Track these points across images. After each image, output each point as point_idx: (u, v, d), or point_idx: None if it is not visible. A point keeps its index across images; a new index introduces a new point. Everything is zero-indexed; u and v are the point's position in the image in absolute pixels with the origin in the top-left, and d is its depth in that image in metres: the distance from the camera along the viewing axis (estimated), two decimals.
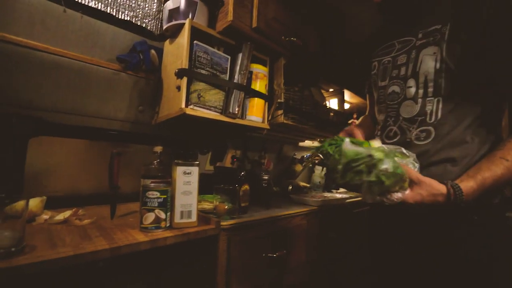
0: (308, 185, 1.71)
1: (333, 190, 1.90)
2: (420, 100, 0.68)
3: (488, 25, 0.58)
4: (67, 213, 0.79)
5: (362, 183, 0.56)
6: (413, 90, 0.70)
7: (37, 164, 0.93)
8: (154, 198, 0.70)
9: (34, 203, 0.77)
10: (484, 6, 0.59)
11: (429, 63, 0.66)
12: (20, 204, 0.55)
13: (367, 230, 0.89)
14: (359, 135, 0.78)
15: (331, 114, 1.50)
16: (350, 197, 1.50)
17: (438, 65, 0.65)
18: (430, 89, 0.67)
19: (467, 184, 0.56)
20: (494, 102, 0.65)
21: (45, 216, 0.78)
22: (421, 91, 0.68)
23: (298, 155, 1.95)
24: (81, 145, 1.02)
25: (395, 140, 0.73)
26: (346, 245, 1.34)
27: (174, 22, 1.00)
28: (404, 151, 0.59)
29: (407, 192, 0.56)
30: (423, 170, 0.62)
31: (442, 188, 0.56)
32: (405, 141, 0.70)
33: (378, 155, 0.56)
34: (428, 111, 0.67)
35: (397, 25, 0.79)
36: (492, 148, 0.63)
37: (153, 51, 1.12)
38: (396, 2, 0.73)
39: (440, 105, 0.66)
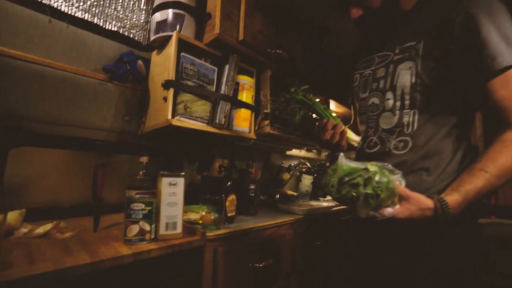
0: (295, 193, 1.73)
1: (320, 198, 1.93)
2: (397, 112, 0.72)
3: (458, 41, 0.62)
4: (47, 226, 0.77)
5: (358, 196, 0.57)
6: (391, 102, 0.73)
7: (17, 175, 0.90)
8: (138, 210, 0.70)
9: (13, 216, 0.75)
10: (454, 24, 0.63)
11: (405, 77, 0.70)
12: None
13: (353, 239, 0.91)
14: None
15: (317, 123, 1.53)
16: (337, 205, 1.52)
17: (413, 79, 0.68)
18: (407, 102, 0.70)
19: (452, 198, 0.58)
20: (465, 113, 0.69)
21: (24, 230, 0.75)
22: (398, 104, 0.72)
23: (286, 164, 1.97)
24: (64, 155, 1.01)
25: (375, 149, 0.76)
26: (333, 253, 1.35)
27: (161, 34, 1.01)
28: (391, 167, 0.61)
29: (397, 207, 0.58)
30: None
31: (429, 202, 0.58)
32: (385, 150, 0.73)
33: (373, 168, 0.58)
34: (405, 123, 0.70)
35: (376, 39, 0.83)
36: (464, 157, 0.68)
37: (140, 62, 1.12)
38: (372, 19, 0.77)
39: (416, 117, 0.69)
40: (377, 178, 0.56)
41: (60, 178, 1.00)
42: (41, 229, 0.75)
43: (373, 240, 0.80)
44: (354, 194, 0.57)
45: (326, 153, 2.38)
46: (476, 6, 0.61)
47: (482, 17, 0.60)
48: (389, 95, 0.73)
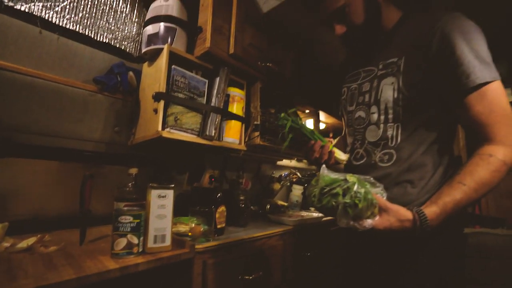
0: (286, 204, 1.73)
1: (310, 208, 1.94)
2: (382, 126, 0.74)
3: (435, 58, 0.66)
4: (31, 240, 0.75)
5: (338, 205, 0.59)
6: (375, 116, 0.76)
7: (1, 186, 0.88)
8: (126, 222, 0.69)
9: None
10: (431, 42, 0.66)
11: (388, 92, 0.73)
12: None
13: (342, 248, 0.92)
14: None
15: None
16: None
17: (395, 94, 0.71)
18: (390, 116, 0.73)
19: (430, 210, 0.60)
20: (447, 126, 0.71)
21: (6, 244, 0.73)
22: (382, 117, 0.74)
23: (276, 174, 1.98)
24: (51, 166, 0.99)
25: (361, 162, 0.78)
26: (323, 263, 1.35)
27: (153, 47, 1.02)
28: (373, 180, 0.63)
29: (377, 218, 0.60)
30: (386, 191, 0.67)
31: (408, 214, 0.60)
32: (370, 163, 0.76)
33: (352, 179, 0.61)
34: (389, 136, 0.73)
35: (362, 55, 0.87)
36: (447, 169, 0.70)
37: (131, 73, 1.13)
38: (355, 36, 0.80)
39: (400, 130, 0.72)
40: (355, 188, 0.58)
41: (47, 189, 0.98)
42: (24, 243, 0.73)
43: (360, 248, 0.81)
44: (333, 203, 0.60)
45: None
46: (452, 26, 0.65)
47: (457, 36, 0.63)
48: (374, 109, 0.76)
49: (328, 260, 1.38)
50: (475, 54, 0.62)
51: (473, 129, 0.65)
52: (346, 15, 0.76)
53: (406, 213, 0.60)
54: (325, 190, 0.61)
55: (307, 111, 1.95)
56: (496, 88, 0.62)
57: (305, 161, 2.30)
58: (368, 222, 0.59)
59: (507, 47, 1.92)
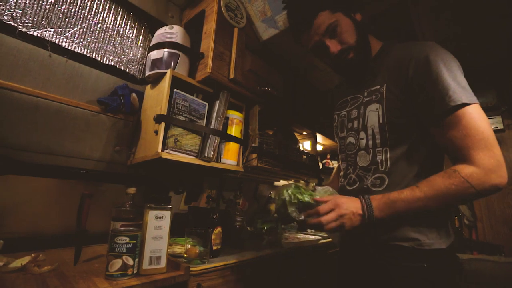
0: (282, 225, 1.72)
1: (308, 230, 1.92)
2: (370, 151, 0.77)
3: (412, 83, 0.69)
4: (25, 259, 0.75)
5: (284, 211, 0.75)
6: (364, 141, 0.79)
7: None
8: (122, 243, 0.70)
9: None
10: (409, 68, 0.70)
11: (373, 118, 0.76)
12: None
13: (336, 271, 0.92)
14: None
15: (304, 156, 1.59)
16: (324, 237, 1.53)
17: (381, 120, 0.74)
18: (378, 141, 0.75)
19: (375, 196, 0.69)
20: (435, 147, 0.72)
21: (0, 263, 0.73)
22: (370, 142, 0.77)
23: (274, 195, 1.98)
24: (49, 183, 1.00)
25: (354, 187, 0.80)
26: (319, 287, 1.33)
27: (156, 71, 1.07)
28: (316, 187, 0.78)
29: (330, 213, 0.69)
30: None
31: (356, 199, 0.71)
32: (363, 187, 0.77)
33: (284, 192, 0.76)
34: (379, 160, 0.75)
35: (350, 83, 0.91)
36: None
37: (134, 95, 1.17)
38: (348, 59, 0.81)
39: (388, 155, 0.74)
40: (283, 196, 0.76)
41: (44, 207, 0.99)
42: (17, 263, 0.73)
43: (354, 269, 0.81)
44: (282, 212, 0.76)
45: (314, 184, 2.41)
46: (428, 52, 0.68)
47: (433, 60, 0.66)
48: (362, 134, 0.79)
49: (325, 283, 1.36)
50: (452, 77, 0.64)
51: (449, 152, 0.67)
52: (338, 36, 0.78)
53: (355, 198, 0.71)
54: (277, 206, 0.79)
55: (304, 133, 1.99)
56: (472, 112, 0.62)
57: (302, 182, 2.31)
58: (316, 220, 0.71)
59: (495, 75, 2.01)
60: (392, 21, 1.50)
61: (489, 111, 2.04)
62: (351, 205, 0.70)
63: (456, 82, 0.64)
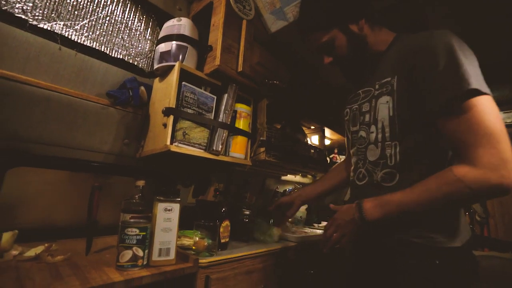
0: (289, 219, 1.72)
1: (314, 225, 1.92)
2: (380, 144, 0.75)
3: (424, 70, 0.65)
4: (39, 249, 0.76)
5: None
6: (374, 135, 0.77)
7: (12, 194, 0.91)
8: (132, 235, 0.71)
9: (5, 238, 0.75)
10: (420, 55, 0.67)
11: (384, 111, 0.74)
12: None
13: (346, 266, 0.91)
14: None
15: (312, 151, 1.57)
16: None
17: (391, 113, 0.72)
18: (387, 134, 0.73)
19: (369, 199, 0.71)
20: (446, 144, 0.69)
21: (14, 252, 0.75)
22: (380, 136, 0.75)
23: (281, 189, 1.98)
24: (61, 176, 1.02)
25: (364, 182, 0.79)
26: (327, 280, 1.33)
27: (164, 64, 1.06)
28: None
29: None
30: None
31: (352, 205, 0.74)
32: (373, 183, 0.76)
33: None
34: (388, 155, 0.73)
35: (359, 76, 0.89)
36: None
37: (142, 88, 1.17)
38: (342, 64, 0.87)
39: (398, 149, 0.71)
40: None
41: (56, 198, 1.00)
42: (32, 252, 0.75)
43: (366, 268, 0.80)
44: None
45: None
46: (441, 40, 0.64)
47: (447, 47, 0.62)
48: (373, 128, 0.78)
49: (331, 277, 1.36)
50: (466, 64, 0.59)
51: (452, 147, 0.65)
52: (332, 48, 0.83)
53: (350, 206, 0.76)
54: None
55: (312, 127, 1.97)
56: (481, 104, 0.58)
57: (309, 176, 2.30)
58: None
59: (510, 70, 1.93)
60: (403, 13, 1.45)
61: (504, 104, 1.98)
62: (344, 214, 0.76)
63: (469, 70, 0.59)
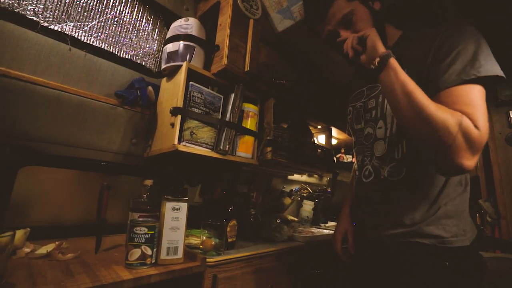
0: (296, 219, 1.72)
1: (321, 224, 1.91)
2: (387, 139, 0.75)
3: (431, 69, 0.65)
4: (50, 246, 0.78)
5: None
6: (382, 130, 0.76)
7: (23, 193, 0.93)
8: (141, 233, 0.71)
9: (17, 235, 0.76)
10: (429, 54, 0.66)
11: None
12: (5, 238, 0.55)
13: (351, 266, 0.91)
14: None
15: (319, 150, 1.56)
16: None
17: None
18: (395, 128, 0.73)
19: (394, 59, 0.65)
20: None
21: (27, 249, 0.76)
22: (388, 131, 0.75)
23: (287, 188, 1.98)
24: (70, 175, 1.04)
25: (370, 179, 0.78)
26: (334, 281, 1.32)
27: (172, 64, 1.07)
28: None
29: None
30: (399, 201, 0.70)
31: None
32: (380, 179, 0.75)
33: None
34: (395, 149, 0.73)
35: (365, 74, 0.88)
36: (460, 180, 0.70)
37: (150, 88, 1.18)
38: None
39: (405, 143, 0.71)
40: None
41: (66, 197, 1.02)
42: (43, 249, 0.76)
43: (367, 268, 0.80)
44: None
45: (328, 178, 2.38)
46: (457, 29, 0.64)
47: (461, 35, 0.62)
48: (381, 123, 0.77)
49: (338, 278, 1.35)
50: (481, 50, 0.60)
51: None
52: (353, 25, 0.77)
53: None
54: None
55: (319, 126, 1.96)
56: (479, 89, 0.59)
57: (316, 176, 2.29)
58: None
59: None
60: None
61: None
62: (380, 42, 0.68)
63: (485, 56, 0.60)
